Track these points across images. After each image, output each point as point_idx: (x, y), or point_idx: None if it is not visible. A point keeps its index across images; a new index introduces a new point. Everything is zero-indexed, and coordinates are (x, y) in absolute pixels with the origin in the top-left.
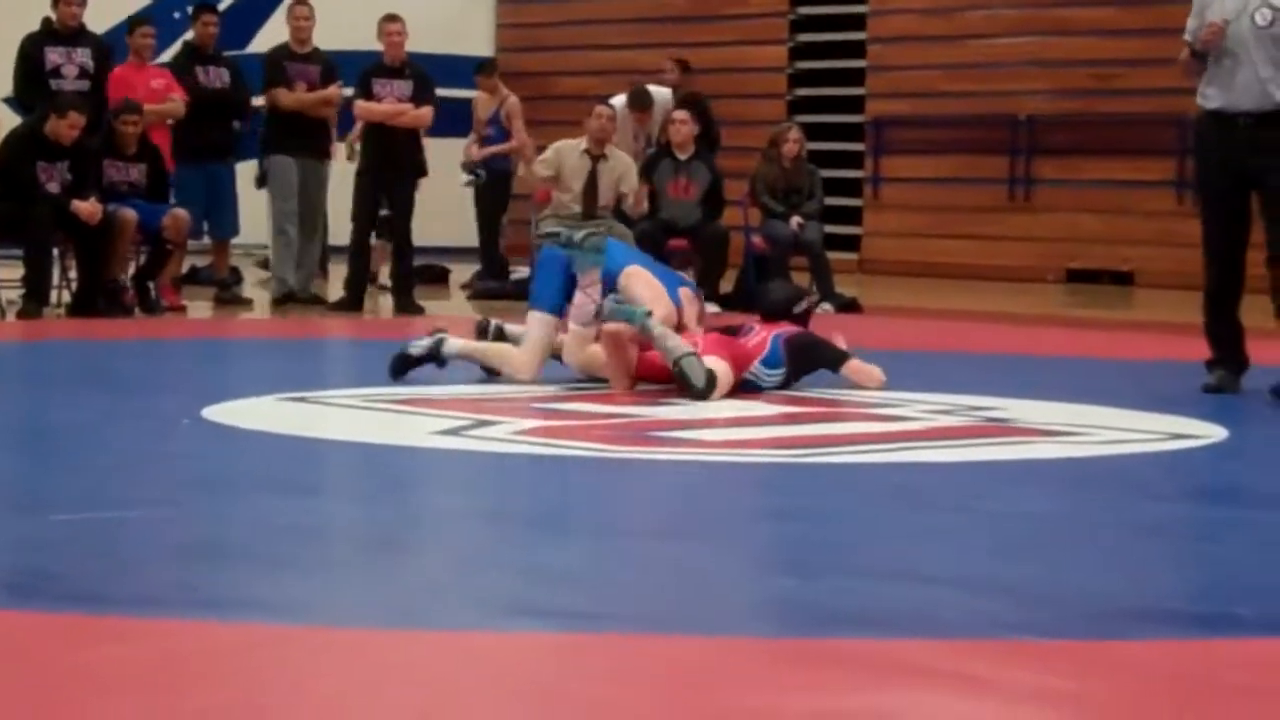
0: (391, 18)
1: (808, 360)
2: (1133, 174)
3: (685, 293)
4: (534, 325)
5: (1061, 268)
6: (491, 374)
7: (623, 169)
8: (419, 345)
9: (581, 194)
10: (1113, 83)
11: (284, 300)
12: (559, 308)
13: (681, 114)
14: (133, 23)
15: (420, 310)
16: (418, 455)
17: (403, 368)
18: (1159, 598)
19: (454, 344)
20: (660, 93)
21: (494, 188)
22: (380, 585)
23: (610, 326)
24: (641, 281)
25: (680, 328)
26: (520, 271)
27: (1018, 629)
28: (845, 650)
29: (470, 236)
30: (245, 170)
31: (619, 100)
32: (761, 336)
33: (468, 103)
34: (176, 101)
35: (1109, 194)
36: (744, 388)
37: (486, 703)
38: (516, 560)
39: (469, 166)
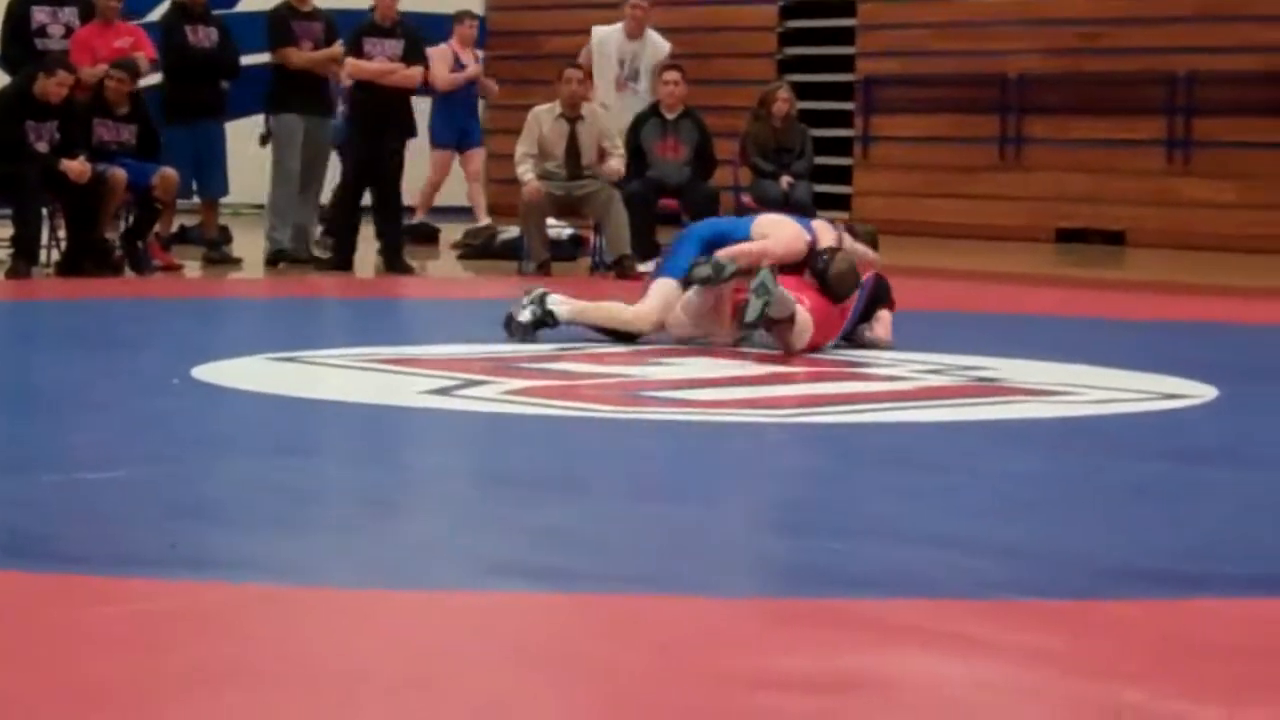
0: None
1: (872, 307)
2: (1123, 133)
3: (819, 224)
4: (659, 286)
5: (1052, 227)
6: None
7: (602, 125)
8: (525, 313)
9: (564, 158)
10: (1101, 41)
11: (276, 259)
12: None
13: (673, 75)
14: None
15: (410, 270)
16: (407, 415)
17: (521, 331)
18: (1148, 557)
19: (561, 307)
20: (658, 41)
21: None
22: (370, 545)
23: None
24: (770, 221)
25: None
26: (509, 232)
27: (1009, 589)
28: (838, 611)
29: (460, 195)
30: (240, 129)
31: (602, 30)
32: (846, 303)
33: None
34: (141, 58)
35: (1099, 153)
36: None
37: (479, 663)
38: (508, 520)
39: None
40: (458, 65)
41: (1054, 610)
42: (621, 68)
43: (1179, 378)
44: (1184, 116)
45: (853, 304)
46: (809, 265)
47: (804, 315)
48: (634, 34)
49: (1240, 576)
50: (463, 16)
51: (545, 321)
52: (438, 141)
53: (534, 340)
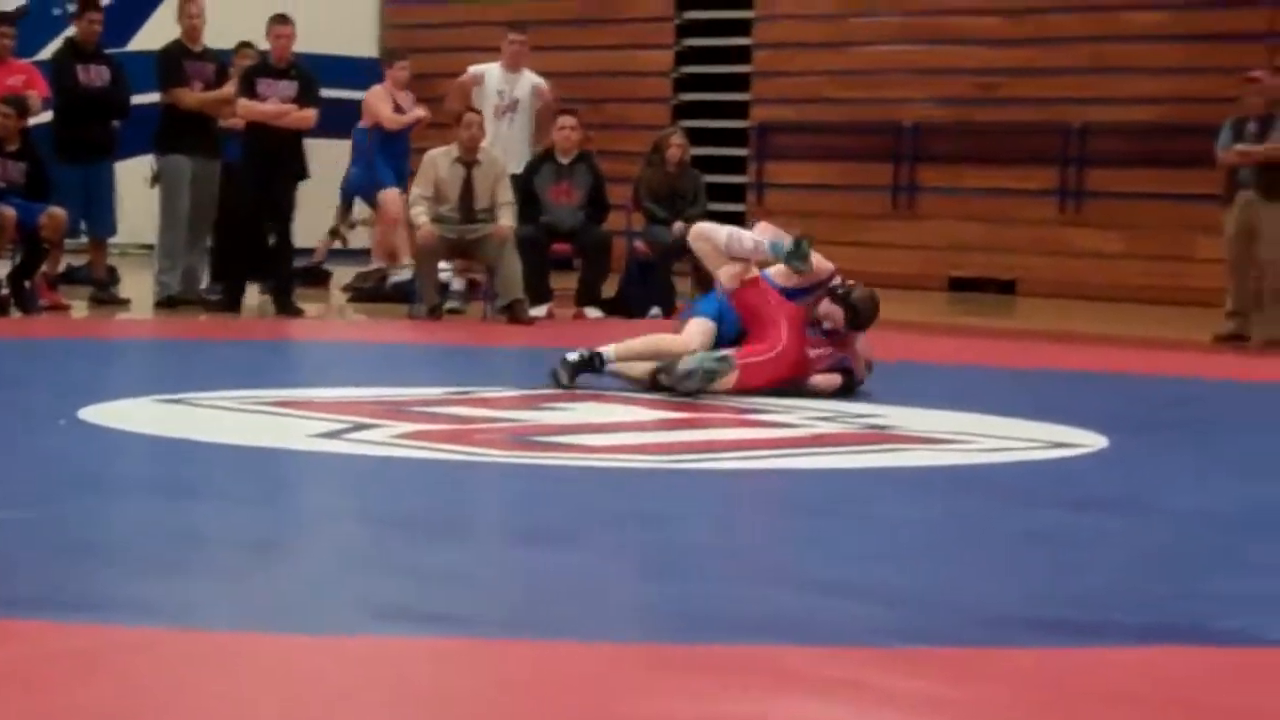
0: (281, 19)
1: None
2: (1015, 183)
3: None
4: (697, 324)
5: (944, 275)
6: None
7: (497, 173)
8: (574, 354)
9: (459, 202)
10: (996, 91)
11: (166, 304)
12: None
13: (569, 120)
14: None
15: (300, 312)
16: (295, 458)
17: (572, 374)
18: (1041, 605)
19: (609, 349)
20: (535, 78)
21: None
22: (256, 588)
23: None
24: None
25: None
26: (400, 275)
27: (900, 636)
28: (729, 656)
29: (351, 237)
30: (129, 169)
31: (480, 66)
32: (822, 352)
33: (351, 103)
34: (33, 96)
35: (992, 202)
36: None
37: (364, 708)
38: (395, 564)
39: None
40: (397, 108)
41: (946, 658)
42: (500, 98)
43: (1070, 427)
44: (1076, 167)
45: (828, 358)
46: (830, 291)
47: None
48: (511, 67)
49: (1132, 625)
50: (391, 59)
51: (591, 363)
52: (385, 182)
53: (573, 385)
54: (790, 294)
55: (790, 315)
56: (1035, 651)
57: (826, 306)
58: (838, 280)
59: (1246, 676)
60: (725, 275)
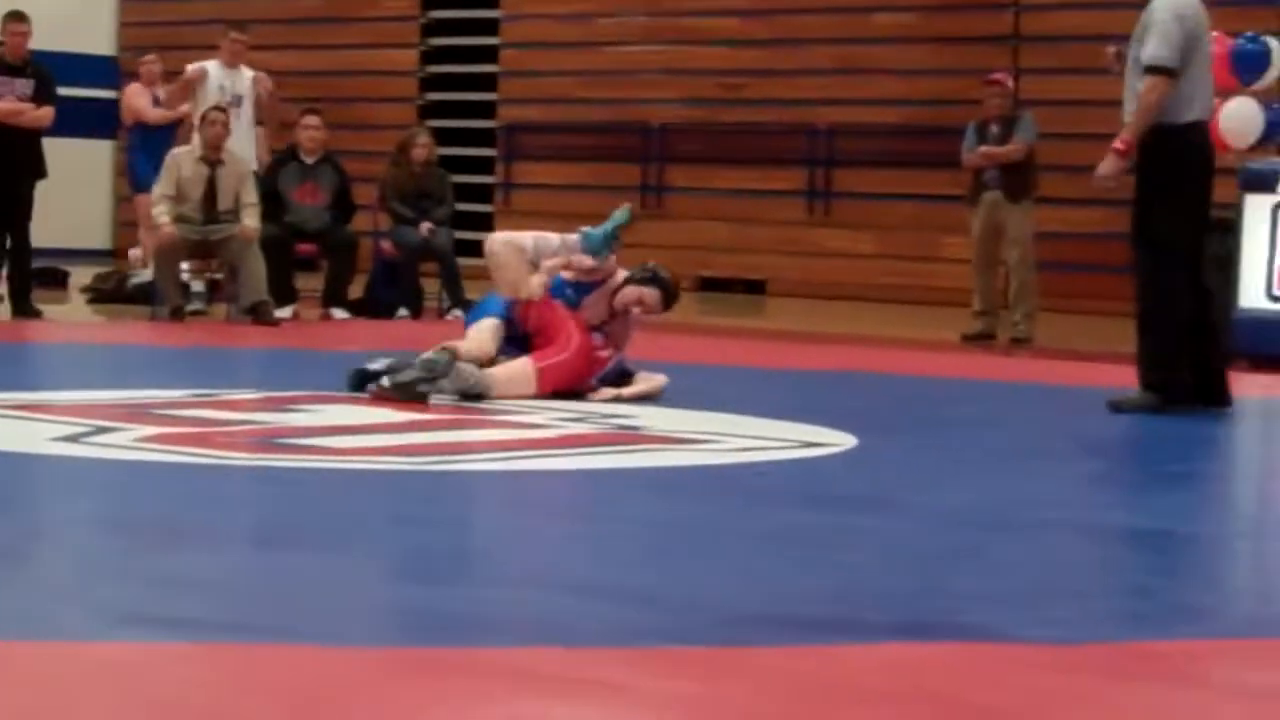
0: (17, 16)
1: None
2: (762, 183)
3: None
4: (487, 323)
5: (693, 275)
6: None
7: (241, 172)
8: (379, 362)
9: (201, 202)
10: (742, 92)
11: None
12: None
13: (312, 119)
14: None
15: (38, 314)
16: (34, 462)
17: (360, 383)
18: (788, 603)
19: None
20: (249, 72)
21: None
22: None
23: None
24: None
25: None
26: (141, 276)
27: (651, 636)
28: (478, 659)
29: (91, 238)
30: None
31: (198, 64)
32: (607, 355)
33: (89, 102)
34: None
35: (739, 203)
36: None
37: (106, 715)
38: (137, 569)
39: None
40: (157, 103)
41: (693, 656)
42: (222, 93)
43: (820, 426)
44: (824, 168)
45: (610, 360)
46: (630, 279)
47: (518, 369)
48: (231, 64)
49: (879, 622)
50: (140, 56)
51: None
52: (145, 181)
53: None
54: (579, 290)
55: (577, 320)
56: (783, 650)
57: (633, 292)
58: (623, 272)
59: (992, 672)
60: (539, 283)
